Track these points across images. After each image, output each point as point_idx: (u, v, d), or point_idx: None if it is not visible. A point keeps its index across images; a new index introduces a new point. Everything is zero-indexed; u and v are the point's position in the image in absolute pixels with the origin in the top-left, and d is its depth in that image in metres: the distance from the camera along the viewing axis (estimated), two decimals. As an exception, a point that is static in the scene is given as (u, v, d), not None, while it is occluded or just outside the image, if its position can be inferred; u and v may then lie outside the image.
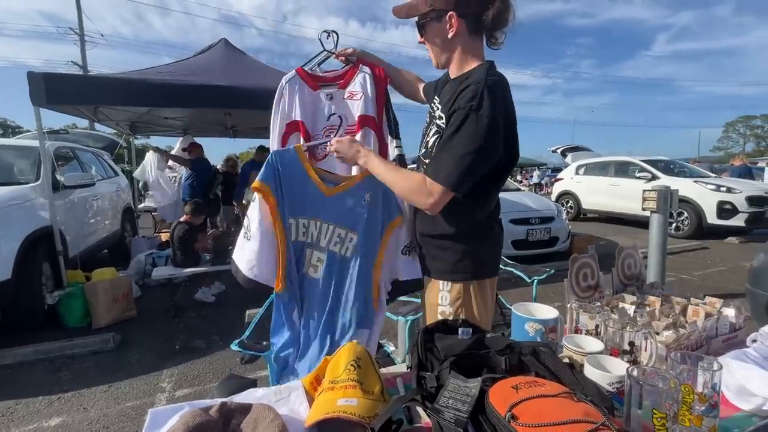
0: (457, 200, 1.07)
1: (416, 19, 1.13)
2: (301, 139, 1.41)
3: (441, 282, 1.15)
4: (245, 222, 1.28)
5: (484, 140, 0.99)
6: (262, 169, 1.24)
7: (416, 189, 1.06)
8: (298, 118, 1.40)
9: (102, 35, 21.49)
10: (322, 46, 1.44)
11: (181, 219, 3.90)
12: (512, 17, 1.06)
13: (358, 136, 1.37)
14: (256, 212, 1.24)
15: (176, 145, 6.49)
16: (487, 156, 1.01)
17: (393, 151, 1.47)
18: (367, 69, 1.45)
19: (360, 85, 1.43)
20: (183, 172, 5.95)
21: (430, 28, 1.11)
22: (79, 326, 3.29)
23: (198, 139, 6.46)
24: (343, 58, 1.46)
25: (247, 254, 1.27)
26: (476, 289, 1.13)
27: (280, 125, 1.42)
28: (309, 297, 1.29)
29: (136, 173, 6.35)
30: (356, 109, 1.42)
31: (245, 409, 0.72)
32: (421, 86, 1.46)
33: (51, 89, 3.22)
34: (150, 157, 6.18)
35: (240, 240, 1.31)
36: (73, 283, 3.54)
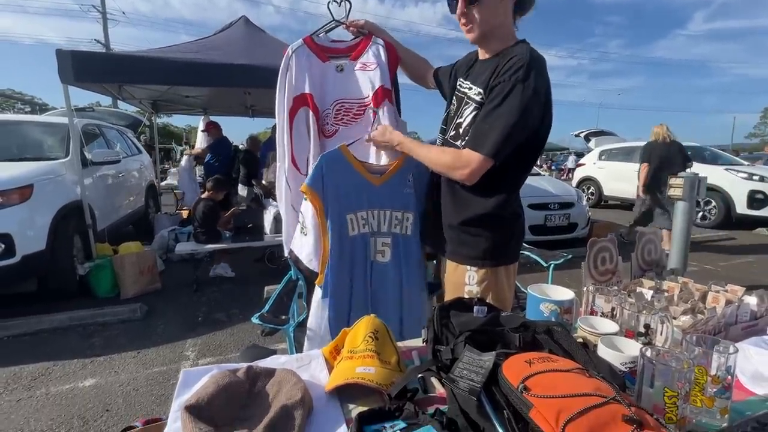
0: (488, 183, 1.09)
1: None
2: (310, 114, 1.39)
3: (468, 266, 1.17)
4: (300, 218, 1.33)
5: (528, 111, 1.00)
6: (311, 172, 1.28)
7: (452, 162, 1.10)
8: (307, 91, 1.39)
9: (123, 13, 21.73)
10: (332, 15, 1.39)
11: (204, 195, 4.00)
12: (534, 6, 1.10)
13: (380, 111, 1.37)
14: (309, 210, 1.29)
15: (199, 125, 6.59)
16: (527, 127, 1.03)
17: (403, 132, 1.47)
18: (380, 41, 1.42)
19: (374, 55, 1.41)
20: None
21: None
22: (108, 296, 3.47)
23: (217, 118, 6.53)
24: (354, 29, 1.43)
25: (306, 247, 1.32)
26: (503, 274, 1.15)
27: (288, 99, 1.40)
28: (380, 282, 1.34)
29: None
30: (369, 79, 1.40)
31: (270, 373, 0.76)
32: (430, 71, 1.43)
33: (78, 67, 3.30)
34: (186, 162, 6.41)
35: (297, 233, 1.36)
36: (101, 255, 3.71)
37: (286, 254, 1.54)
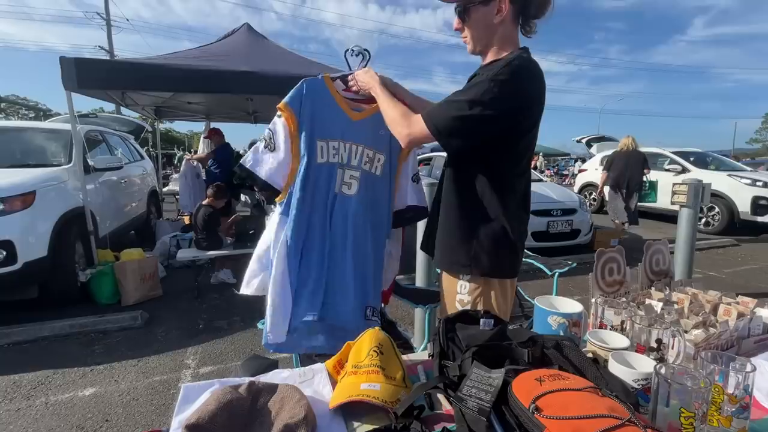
0: (480, 191, 1.08)
1: (457, 3, 1.09)
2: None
3: (460, 275, 1.14)
4: (267, 134, 1.30)
5: (489, 102, 0.98)
6: (292, 92, 1.26)
7: (399, 118, 1.10)
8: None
9: (128, 20, 21.94)
10: (348, 66, 1.34)
11: (204, 202, 3.99)
12: (553, 7, 1.05)
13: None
14: (281, 128, 1.27)
15: (201, 130, 6.59)
16: (485, 118, 0.99)
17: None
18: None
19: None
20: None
21: (475, 13, 1.08)
22: (109, 303, 3.45)
23: (220, 124, 6.55)
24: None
25: (269, 163, 1.29)
26: (497, 287, 1.12)
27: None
28: (341, 215, 1.32)
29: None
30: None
31: (272, 388, 0.74)
32: None
33: (82, 74, 3.32)
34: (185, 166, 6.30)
35: (260, 150, 1.31)
36: (103, 261, 3.70)
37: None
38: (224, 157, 5.70)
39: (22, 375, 2.37)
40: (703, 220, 6.91)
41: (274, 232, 1.32)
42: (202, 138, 6.69)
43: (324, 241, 1.32)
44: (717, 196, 6.61)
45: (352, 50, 1.34)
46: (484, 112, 0.98)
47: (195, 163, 6.08)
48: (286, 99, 1.26)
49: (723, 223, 6.77)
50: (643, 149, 8.81)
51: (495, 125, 1.01)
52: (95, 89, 3.92)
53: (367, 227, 1.34)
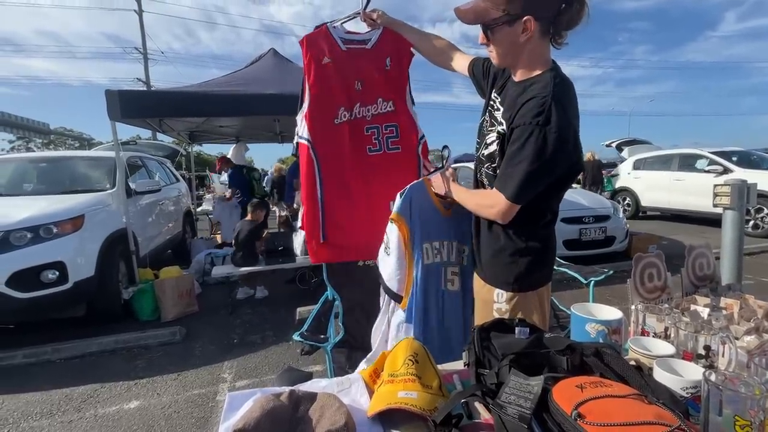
0: (521, 217, 1.08)
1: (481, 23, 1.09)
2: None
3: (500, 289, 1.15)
4: (385, 238, 1.39)
5: (552, 156, 0.98)
6: (401, 201, 1.34)
7: (485, 204, 1.13)
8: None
9: (162, 52, 23.39)
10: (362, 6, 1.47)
11: (248, 218, 4.12)
12: (587, 15, 1.02)
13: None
14: (394, 236, 1.34)
15: (229, 152, 6.88)
16: (555, 169, 1.02)
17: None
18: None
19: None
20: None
21: (500, 32, 1.06)
22: (149, 320, 3.60)
23: (248, 145, 6.85)
24: (370, 20, 1.50)
25: (388, 267, 1.38)
26: (534, 295, 1.12)
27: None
28: (452, 311, 1.38)
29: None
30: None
31: (312, 397, 0.76)
32: (458, 56, 1.41)
33: (125, 104, 3.57)
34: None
35: (381, 251, 1.41)
36: (144, 280, 3.89)
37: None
38: (237, 181, 5.97)
39: (73, 389, 2.51)
40: (751, 222, 6.48)
41: (397, 339, 1.34)
42: (224, 174, 7.04)
43: (440, 337, 1.36)
44: (765, 196, 6.20)
45: None
46: (550, 165, 1.00)
47: (229, 198, 6.31)
48: (397, 209, 1.34)
49: (773, 226, 6.32)
50: (678, 150, 8.57)
51: (558, 168, 1.02)
52: (136, 118, 4.20)
53: (469, 318, 1.39)
